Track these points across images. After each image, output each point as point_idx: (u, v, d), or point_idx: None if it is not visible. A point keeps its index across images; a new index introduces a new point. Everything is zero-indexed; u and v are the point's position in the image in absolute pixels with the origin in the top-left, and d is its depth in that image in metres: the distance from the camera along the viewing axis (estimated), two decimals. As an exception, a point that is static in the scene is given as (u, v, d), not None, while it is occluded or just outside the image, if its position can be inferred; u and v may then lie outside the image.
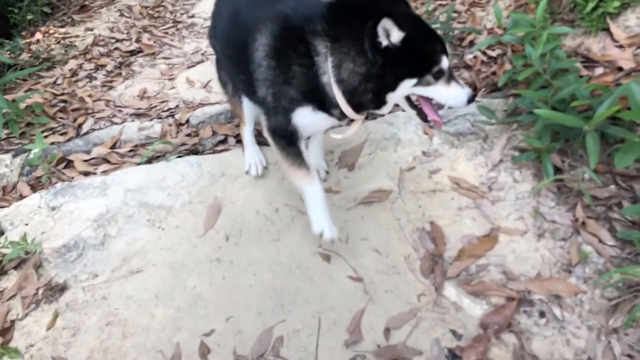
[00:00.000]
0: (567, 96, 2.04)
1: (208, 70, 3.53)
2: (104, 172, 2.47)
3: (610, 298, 1.82)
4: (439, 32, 3.23)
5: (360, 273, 1.98)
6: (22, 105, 2.86)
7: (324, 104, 1.73)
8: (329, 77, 1.64)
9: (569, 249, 1.96)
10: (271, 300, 1.91)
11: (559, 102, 2.09)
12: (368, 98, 1.66)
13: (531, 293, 1.87)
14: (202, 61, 3.66)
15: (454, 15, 3.68)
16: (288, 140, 1.85)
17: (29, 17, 4.30)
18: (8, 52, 3.41)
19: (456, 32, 3.18)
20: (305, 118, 1.79)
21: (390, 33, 1.51)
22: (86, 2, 4.94)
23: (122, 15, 4.50)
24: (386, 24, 1.49)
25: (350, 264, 2.01)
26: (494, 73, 2.91)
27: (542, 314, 1.83)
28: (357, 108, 1.71)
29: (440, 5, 3.91)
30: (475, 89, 2.88)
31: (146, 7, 4.66)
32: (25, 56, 3.64)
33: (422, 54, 1.60)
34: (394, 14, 1.49)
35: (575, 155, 2.18)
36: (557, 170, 2.14)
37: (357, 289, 1.94)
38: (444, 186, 2.24)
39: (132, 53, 3.78)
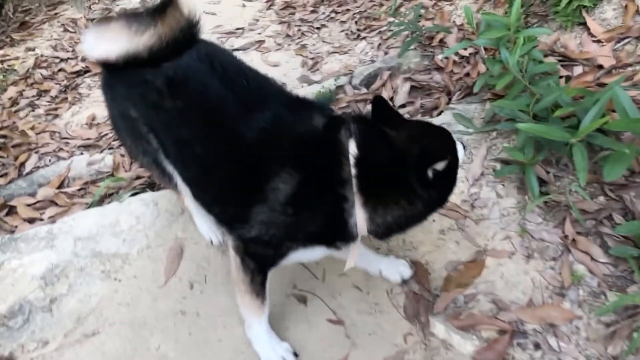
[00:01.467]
0: (550, 105, 1.89)
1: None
2: (51, 218, 2.24)
3: (607, 323, 1.68)
4: (406, 32, 3.08)
5: (341, 314, 1.81)
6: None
7: (333, 241, 1.50)
8: (355, 220, 1.40)
9: (560, 270, 1.82)
10: (243, 355, 1.72)
11: (540, 109, 1.94)
12: (400, 229, 1.47)
13: (524, 323, 1.73)
14: (156, 77, 3.40)
15: (422, 11, 3.52)
16: (261, 268, 1.56)
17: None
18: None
19: (425, 31, 3.01)
20: (303, 253, 1.53)
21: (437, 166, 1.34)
22: (26, 19, 4.60)
23: (66, 30, 4.19)
24: (438, 165, 1.33)
25: (329, 305, 1.84)
26: (467, 75, 2.75)
27: (537, 346, 1.69)
28: (382, 237, 1.51)
29: (406, 0, 3.74)
30: (449, 94, 2.72)
31: (92, 20, 4.35)
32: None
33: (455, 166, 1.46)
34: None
35: (560, 165, 2.04)
36: (542, 182, 2.00)
37: (338, 333, 1.76)
38: (423, 208, 2.07)
39: (79, 73, 3.50)
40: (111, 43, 1.56)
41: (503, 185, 2.08)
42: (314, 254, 1.55)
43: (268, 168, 1.41)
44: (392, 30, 3.13)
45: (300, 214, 1.42)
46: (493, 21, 2.18)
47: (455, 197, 2.09)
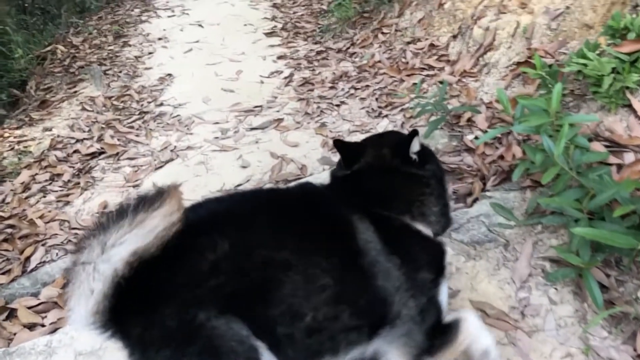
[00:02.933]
0: (606, 201, 1.69)
1: (178, 171, 3.17)
2: (53, 324, 2.04)
3: None
4: (432, 113, 2.94)
5: None
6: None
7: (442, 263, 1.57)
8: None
9: (636, 396, 1.55)
10: None
11: (595, 206, 1.74)
12: (445, 214, 1.60)
13: None
14: (171, 159, 3.29)
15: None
16: (443, 329, 1.47)
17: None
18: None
19: (452, 110, 2.87)
20: (444, 289, 1.52)
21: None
22: (47, 96, 4.61)
23: (84, 109, 4.16)
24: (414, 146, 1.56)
25: None
26: (501, 157, 2.57)
27: None
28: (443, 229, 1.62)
29: (428, 76, 3.64)
30: (483, 178, 2.53)
31: (110, 98, 4.33)
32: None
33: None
34: None
35: (621, 266, 1.80)
36: (602, 286, 1.76)
37: None
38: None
39: (93, 155, 3.41)
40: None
41: (556, 289, 1.84)
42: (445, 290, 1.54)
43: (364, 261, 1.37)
44: (416, 109, 2.99)
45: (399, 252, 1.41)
46: (531, 106, 2.02)
47: (501, 303, 1.85)
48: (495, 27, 3.45)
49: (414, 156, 1.53)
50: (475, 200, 2.42)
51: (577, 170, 1.87)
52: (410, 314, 1.38)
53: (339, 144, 1.59)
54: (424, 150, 1.60)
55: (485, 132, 2.78)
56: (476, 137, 2.79)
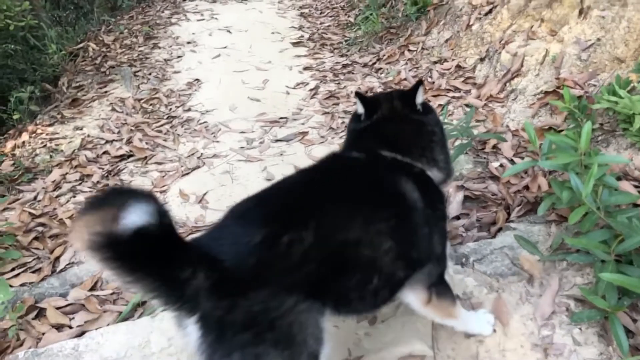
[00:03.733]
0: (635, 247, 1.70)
1: (204, 180, 3.22)
2: (80, 327, 2.09)
3: None
4: (457, 138, 2.96)
5: None
6: (-6, 234, 2.51)
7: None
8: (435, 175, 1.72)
9: None
10: None
11: (624, 250, 1.74)
12: (445, 153, 1.78)
13: None
14: (197, 167, 3.35)
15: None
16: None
17: (16, 116, 4.05)
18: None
19: (478, 137, 2.89)
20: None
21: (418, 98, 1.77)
22: (78, 94, 4.71)
23: (114, 110, 4.25)
24: (419, 97, 1.80)
25: None
26: (526, 187, 2.58)
27: None
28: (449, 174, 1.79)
29: (454, 98, 3.66)
30: (507, 208, 2.54)
31: (140, 100, 4.42)
32: (7, 164, 3.33)
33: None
34: None
35: (645, 310, 1.81)
36: (627, 330, 1.76)
37: None
38: (489, 348, 1.85)
39: (122, 158, 3.48)
40: None
41: (580, 329, 1.85)
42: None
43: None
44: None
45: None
46: (559, 142, 2.04)
47: (524, 339, 1.86)
48: (524, 53, 3.46)
49: (419, 106, 1.74)
50: (499, 230, 2.44)
51: (605, 210, 1.88)
52: (435, 256, 1.60)
53: (361, 96, 1.78)
54: (425, 104, 1.78)
55: (511, 160, 2.80)
56: (501, 165, 2.81)
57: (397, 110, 1.74)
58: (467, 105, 3.47)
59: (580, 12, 3.20)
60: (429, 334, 1.91)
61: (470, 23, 4.18)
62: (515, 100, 3.29)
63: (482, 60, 3.85)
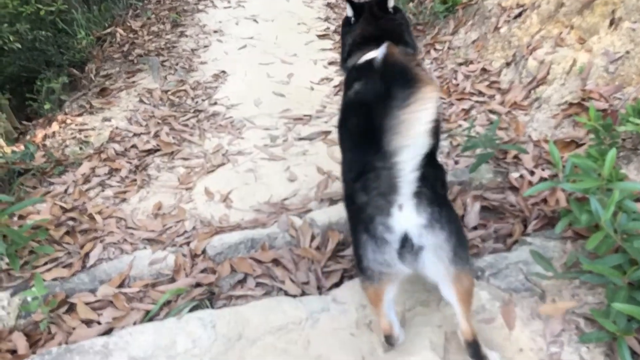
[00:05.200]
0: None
1: (228, 177, 3.31)
2: (108, 323, 2.21)
3: None
4: (479, 148, 2.98)
5: None
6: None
7: None
8: None
9: None
10: None
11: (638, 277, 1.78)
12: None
13: None
14: (222, 164, 3.44)
15: (493, 117, 3.43)
16: None
17: (47, 106, 4.18)
18: (19, 160, 3.23)
19: (499, 146, 2.90)
20: None
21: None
22: (106, 83, 4.83)
23: (141, 101, 4.35)
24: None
25: None
26: (544, 201, 2.61)
27: None
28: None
29: (477, 102, 3.67)
30: (524, 220, 2.57)
31: (166, 92, 4.51)
32: (39, 156, 3.46)
33: None
34: None
35: (654, 335, 1.84)
36: (633, 353, 1.81)
37: None
38: (498, 364, 1.91)
39: (149, 152, 3.59)
40: None
41: (588, 348, 1.90)
42: None
43: None
44: (465, 143, 3.03)
45: None
46: (582, 165, 2.06)
47: (532, 354, 1.92)
48: (551, 60, 3.43)
49: (391, 9, 2.41)
50: (515, 242, 2.48)
51: (622, 234, 1.91)
52: None
53: (350, 2, 2.45)
54: (395, 6, 2.44)
55: (531, 172, 2.82)
56: (521, 176, 2.83)
57: (374, 11, 2.39)
58: (490, 112, 3.47)
59: (611, 23, 3.16)
60: (442, 345, 1.98)
61: (499, 25, 4.14)
62: (539, 109, 3.28)
63: (508, 64, 3.83)
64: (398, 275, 1.69)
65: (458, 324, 1.77)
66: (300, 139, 3.73)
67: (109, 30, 6.46)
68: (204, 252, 2.55)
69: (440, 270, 1.63)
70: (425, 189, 1.55)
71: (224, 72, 4.98)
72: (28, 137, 4.10)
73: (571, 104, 3.04)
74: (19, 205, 2.52)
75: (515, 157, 2.96)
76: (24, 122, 4.68)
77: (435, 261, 1.60)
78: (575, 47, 3.41)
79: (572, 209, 2.15)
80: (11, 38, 4.90)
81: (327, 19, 6.41)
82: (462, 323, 1.74)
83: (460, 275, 1.65)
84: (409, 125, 1.33)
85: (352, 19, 2.43)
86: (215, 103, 4.34)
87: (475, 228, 2.62)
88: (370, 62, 2.06)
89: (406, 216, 1.55)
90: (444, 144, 3.38)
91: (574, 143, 2.84)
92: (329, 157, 3.44)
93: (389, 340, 1.94)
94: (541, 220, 2.52)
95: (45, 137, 3.91)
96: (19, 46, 4.95)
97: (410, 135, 1.35)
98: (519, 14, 4.06)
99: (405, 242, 1.57)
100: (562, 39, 3.52)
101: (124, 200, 3.09)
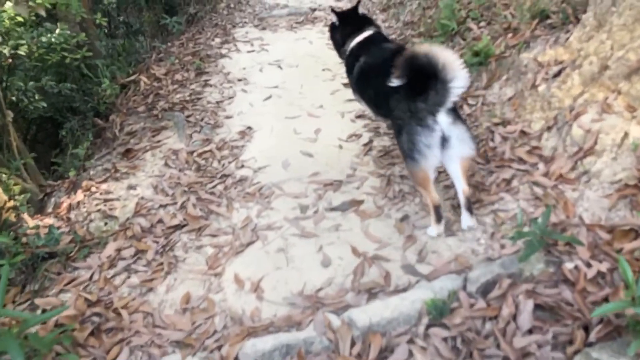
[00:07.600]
0: None
1: (258, 259, 3.16)
2: None
3: None
4: (527, 237, 2.78)
5: None
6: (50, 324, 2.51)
7: None
8: None
9: None
10: None
11: None
12: None
13: None
14: (252, 242, 3.29)
15: (538, 190, 3.23)
16: None
17: (71, 173, 4.10)
18: (42, 245, 3.13)
19: (550, 235, 2.70)
20: None
21: None
22: (131, 142, 4.76)
23: (167, 165, 4.25)
24: None
25: None
26: (606, 299, 2.39)
27: None
28: None
29: (519, 171, 3.47)
30: (585, 326, 2.35)
31: (192, 153, 4.40)
32: (64, 235, 3.36)
33: None
34: None
35: None
36: None
37: None
38: None
39: (176, 227, 3.46)
40: None
41: None
42: None
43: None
44: (514, 234, 2.83)
45: None
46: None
47: None
48: (598, 129, 3.22)
49: (360, 14, 3.88)
50: (577, 352, 2.26)
51: None
52: None
53: (335, 12, 3.90)
54: (363, 13, 3.91)
55: (587, 264, 2.60)
56: (576, 267, 2.61)
57: (352, 15, 3.86)
58: (534, 184, 3.27)
59: (665, 93, 2.95)
60: None
61: (536, 83, 3.95)
62: (588, 184, 3.07)
63: (549, 128, 3.62)
64: (435, 161, 2.87)
65: (460, 186, 3.03)
66: (332, 209, 3.57)
67: (132, 77, 6.46)
68: (236, 359, 2.38)
69: (457, 149, 2.87)
70: (454, 108, 2.85)
71: (250, 127, 4.87)
72: (52, 206, 4.02)
73: (627, 185, 2.82)
74: (43, 317, 2.40)
75: (568, 244, 2.75)
76: (50, 182, 4.61)
77: (457, 143, 2.84)
78: (624, 115, 3.20)
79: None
80: (36, 96, 4.87)
81: (352, 64, 6.28)
82: (463, 185, 3.01)
83: (468, 156, 2.97)
84: (455, 66, 2.62)
85: (337, 23, 3.85)
86: (242, 166, 4.21)
87: (530, 332, 2.41)
88: (366, 39, 3.63)
89: (443, 117, 2.78)
90: (487, 219, 3.19)
91: (634, 232, 2.62)
92: (363, 233, 3.27)
93: (438, 212, 3.02)
94: (605, 326, 2.30)
95: (69, 207, 3.81)
96: (44, 105, 4.92)
97: (459, 70, 2.66)
98: (559, 73, 3.86)
99: (442, 133, 2.78)
100: (609, 105, 3.31)
101: (150, 289, 2.95)
